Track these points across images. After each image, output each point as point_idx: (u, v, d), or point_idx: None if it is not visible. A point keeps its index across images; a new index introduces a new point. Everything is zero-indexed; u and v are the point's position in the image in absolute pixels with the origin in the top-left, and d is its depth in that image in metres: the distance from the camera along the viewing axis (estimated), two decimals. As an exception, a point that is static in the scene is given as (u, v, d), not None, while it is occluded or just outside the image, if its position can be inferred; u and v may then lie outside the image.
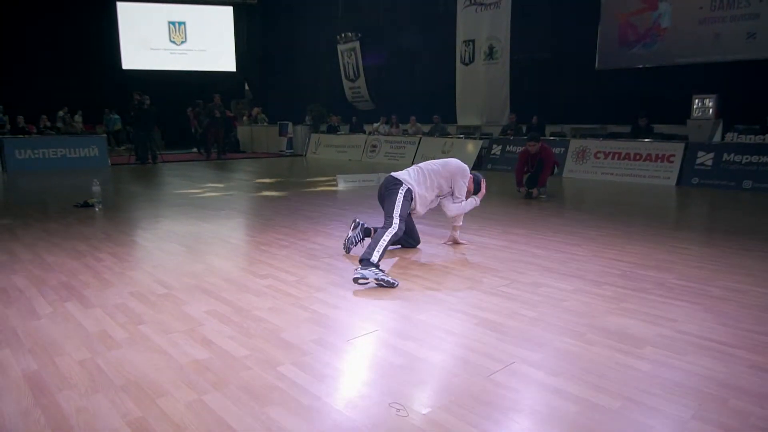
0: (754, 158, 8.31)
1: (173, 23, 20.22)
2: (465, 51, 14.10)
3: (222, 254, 4.53)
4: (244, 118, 19.37)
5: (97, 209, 6.54)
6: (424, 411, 1.99)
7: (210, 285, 3.53)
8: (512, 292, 3.37)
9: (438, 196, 4.43)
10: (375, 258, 3.65)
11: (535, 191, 7.40)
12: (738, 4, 9.44)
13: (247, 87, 21.45)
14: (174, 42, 20.37)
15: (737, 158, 8.48)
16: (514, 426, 1.91)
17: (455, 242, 4.71)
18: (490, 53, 13.50)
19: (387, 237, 3.86)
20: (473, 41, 13.85)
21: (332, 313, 3.04)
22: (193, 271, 3.87)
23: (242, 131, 18.80)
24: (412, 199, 4.21)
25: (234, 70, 21.47)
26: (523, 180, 7.59)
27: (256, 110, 19.35)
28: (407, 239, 4.50)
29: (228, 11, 21.06)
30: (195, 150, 16.46)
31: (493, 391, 2.14)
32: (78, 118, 17.23)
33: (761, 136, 8.41)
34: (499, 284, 3.55)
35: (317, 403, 2.06)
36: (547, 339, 2.66)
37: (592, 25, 11.53)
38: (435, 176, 4.32)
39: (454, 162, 4.44)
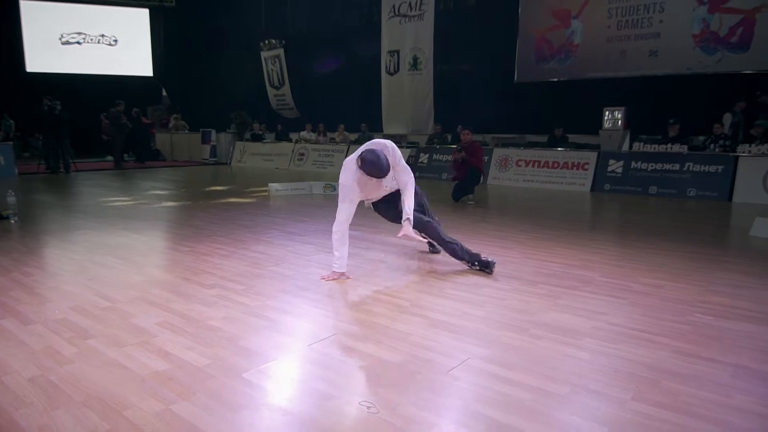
0: (658, 166, 9.10)
1: (84, 24, 19.13)
2: (390, 61, 14.41)
3: (161, 265, 4.41)
4: (169, 125, 18.51)
5: (12, 221, 6.12)
6: (394, 407, 2.09)
7: (155, 297, 3.45)
8: (457, 294, 3.55)
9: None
10: (466, 255, 4.13)
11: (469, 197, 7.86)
12: (641, 24, 10.33)
13: (164, 92, 20.64)
14: (84, 44, 19.28)
15: (644, 166, 9.25)
16: (479, 415, 2.05)
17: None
18: (415, 64, 13.89)
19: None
20: (398, 51, 14.18)
21: (288, 320, 3.07)
22: (134, 283, 3.75)
23: (161, 138, 18.05)
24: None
25: (150, 75, 20.63)
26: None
27: (174, 117, 18.57)
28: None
29: (144, 13, 20.22)
30: (110, 158, 15.65)
31: (454, 386, 2.28)
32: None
33: (663, 146, 9.23)
34: (444, 286, 3.72)
35: (289, 405, 2.11)
36: (496, 335, 2.84)
37: (511, 40, 12.17)
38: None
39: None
